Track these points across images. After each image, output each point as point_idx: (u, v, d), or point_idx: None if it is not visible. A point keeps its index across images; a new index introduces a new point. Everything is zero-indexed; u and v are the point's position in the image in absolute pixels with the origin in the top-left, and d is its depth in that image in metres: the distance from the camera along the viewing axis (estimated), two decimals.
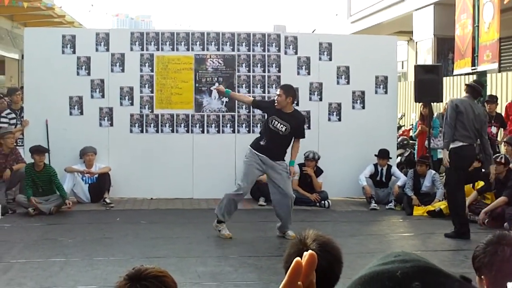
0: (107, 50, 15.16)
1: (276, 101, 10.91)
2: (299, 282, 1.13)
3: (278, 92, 11.00)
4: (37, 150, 13.67)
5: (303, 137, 11.41)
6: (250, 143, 11.26)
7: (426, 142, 15.88)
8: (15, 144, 14.71)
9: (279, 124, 10.88)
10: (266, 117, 11.37)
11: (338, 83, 15.64)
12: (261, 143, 10.97)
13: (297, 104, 15.01)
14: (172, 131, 15.12)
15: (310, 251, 1.14)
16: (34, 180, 13.55)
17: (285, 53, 15.56)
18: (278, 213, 11.20)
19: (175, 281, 3.33)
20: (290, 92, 11.02)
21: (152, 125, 15.10)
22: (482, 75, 17.47)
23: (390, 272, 1.05)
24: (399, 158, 17.14)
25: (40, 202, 13.24)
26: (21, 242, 10.76)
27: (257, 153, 10.98)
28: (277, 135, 10.94)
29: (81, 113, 15.05)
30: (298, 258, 1.13)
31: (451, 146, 11.31)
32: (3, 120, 15.05)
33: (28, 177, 13.51)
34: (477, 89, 11.68)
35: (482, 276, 3.82)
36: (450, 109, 11.42)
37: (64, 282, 8.53)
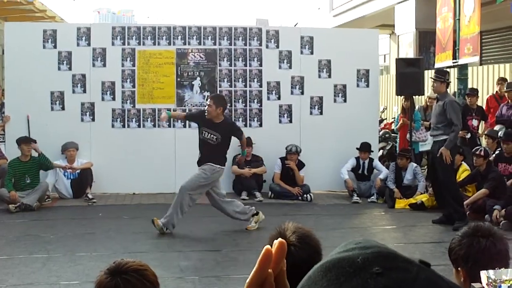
0: (89, 44, 15.12)
1: (206, 112, 10.95)
2: (269, 270, 1.14)
3: (208, 103, 11.00)
4: (25, 140, 13.73)
5: (240, 137, 11.46)
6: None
7: (408, 135, 15.92)
8: None
9: (209, 134, 11.01)
10: (198, 128, 11.35)
11: (319, 76, 15.66)
12: (199, 155, 11.25)
13: (279, 98, 15.10)
14: (154, 125, 15.11)
15: (280, 239, 1.16)
16: (21, 171, 13.55)
17: (267, 47, 15.57)
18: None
19: (156, 274, 3.35)
20: (220, 102, 11.13)
21: (134, 120, 15.08)
22: (463, 68, 17.52)
23: (350, 258, 1.06)
24: (381, 151, 17.17)
25: (23, 196, 13.22)
26: (3, 239, 10.73)
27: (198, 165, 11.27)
28: (209, 145, 11.08)
29: (63, 108, 15.01)
30: (268, 246, 1.14)
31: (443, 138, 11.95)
32: None
33: (10, 172, 13.50)
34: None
35: (459, 268, 3.85)
36: (458, 106, 12.34)
37: (47, 278, 8.52)
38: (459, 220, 11.28)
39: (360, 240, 1.14)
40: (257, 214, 11.51)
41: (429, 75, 17.93)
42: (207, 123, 10.95)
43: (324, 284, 1.06)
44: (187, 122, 15.03)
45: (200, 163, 11.16)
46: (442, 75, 12.39)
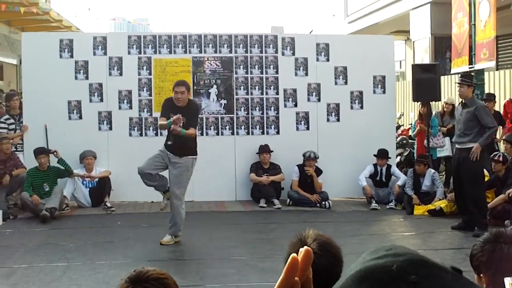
0: (105, 54, 15.18)
1: (178, 99, 10.77)
2: (296, 278, 1.14)
3: (181, 90, 10.76)
4: (42, 151, 13.81)
5: (194, 126, 11.14)
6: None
7: (425, 141, 15.87)
8: (14, 149, 14.73)
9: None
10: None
11: (336, 83, 15.65)
12: (169, 142, 10.89)
13: (296, 105, 15.10)
14: None
15: (305, 247, 1.16)
16: (40, 180, 13.63)
17: (283, 54, 15.58)
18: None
19: (176, 283, 3.35)
20: (188, 86, 11.11)
21: (151, 128, 15.11)
22: (480, 73, 17.48)
23: (385, 267, 1.06)
24: (398, 157, 17.13)
25: (43, 204, 13.29)
26: (23, 247, 10.78)
27: (166, 150, 10.96)
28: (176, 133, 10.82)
29: (80, 117, 15.07)
30: (294, 254, 1.14)
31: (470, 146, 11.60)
32: (2, 125, 15.04)
33: (29, 180, 13.60)
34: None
35: (481, 275, 3.82)
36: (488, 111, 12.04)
37: (67, 286, 8.55)
38: (480, 228, 11.19)
39: (390, 246, 1.14)
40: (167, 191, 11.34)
41: (445, 80, 17.91)
42: (175, 110, 10.74)
43: None
44: (204, 129, 15.07)
45: (171, 149, 10.91)
46: (468, 79, 12.16)
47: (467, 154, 11.55)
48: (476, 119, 11.59)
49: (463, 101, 12.05)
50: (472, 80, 12.18)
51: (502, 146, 15.34)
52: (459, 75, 13.31)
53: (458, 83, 12.16)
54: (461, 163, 11.77)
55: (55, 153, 14.24)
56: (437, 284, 1.04)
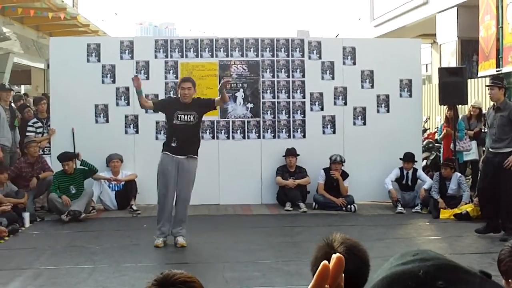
0: (132, 58, 15.25)
1: (185, 95, 10.82)
2: (326, 286, 1.14)
3: (188, 86, 10.81)
4: (66, 158, 13.89)
5: (213, 100, 11.26)
6: (162, 150, 11.16)
7: (452, 145, 15.79)
8: (41, 152, 14.82)
9: (186, 116, 10.85)
10: (166, 116, 11.14)
11: (362, 87, 15.62)
12: (173, 145, 10.90)
13: (322, 109, 15.10)
14: None
15: (337, 254, 1.15)
16: (66, 183, 13.72)
17: (309, 58, 15.57)
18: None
19: (203, 286, 3.35)
20: (194, 83, 11.15)
21: None
22: (507, 76, 17.37)
23: (412, 272, 1.05)
24: (424, 161, 17.06)
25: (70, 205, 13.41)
26: (50, 249, 10.85)
27: (172, 155, 10.93)
28: (186, 128, 10.91)
29: (107, 120, 15.14)
30: (325, 261, 1.13)
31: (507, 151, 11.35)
32: (29, 129, 15.16)
33: (55, 183, 13.68)
34: None
35: (510, 280, 3.78)
36: None
37: None
38: (507, 233, 11.09)
39: (417, 251, 1.13)
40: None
41: (472, 84, 17.83)
42: (181, 106, 10.87)
43: None
44: (230, 133, 15.09)
45: (177, 151, 10.92)
46: (499, 81, 11.96)
47: (503, 159, 11.36)
48: (511, 123, 11.39)
49: (495, 104, 11.79)
50: (503, 82, 11.95)
51: None
52: (489, 78, 13.08)
53: (489, 86, 11.94)
54: (496, 166, 11.49)
55: (78, 155, 14.32)
56: None
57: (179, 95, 11.03)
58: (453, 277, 1.04)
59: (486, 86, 12.94)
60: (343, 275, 1.15)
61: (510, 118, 11.26)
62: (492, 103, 12.09)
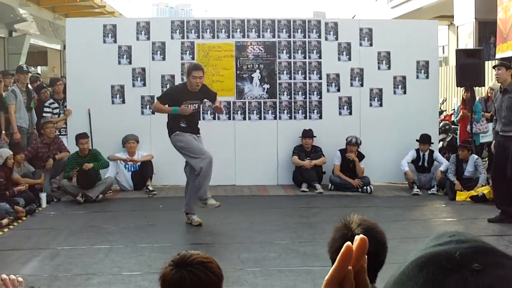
0: (148, 38, 15.24)
1: (198, 84, 10.86)
2: (349, 267, 1.13)
3: (200, 75, 10.82)
4: (79, 135, 13.87)
5: (215, 95, 11.55)
6: (169, 133, 11.17)
7: (468, 127, 15.73)
8: (58, 133, 14.88)
9: (193, 104, 10.92)
10: (174, 104, 11.00)
11: (379, 68, 15.56)
12: (182, 125, 10.92)
13: (339, 90, 15.08)
14: (214, 118, 15.16)
15: (361, 235, 1.14)
16: (80, 166, 13.72)
17: (326, 39, 15.51)
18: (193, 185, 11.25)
19: (220, 267, 3.37)
20: (204, 70, 11.18)
21: None
22: None
23: (447, 253, 1.04)
24: (441, 143, 17.01)
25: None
26: (66, 230, 10.92)
27: (184, 132, 10.96)
28: (193, 113, 11.03)
29: (123, 101, 15.16)
30: (348, 243, 1.12)
31: None
32: (46, 110, 15.22)
33: (69, 165, 13.69)
34: None
35: None
36: None
37: (109, 268, 8.65)
38: None
39: (454, 232, 1.12)
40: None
41: (489, 66, 17.75)
42: (189, 95, 10.90)
43: (420, 280, 1.04)
44: (246, 114, 15.10)
45: (188, 130, 11.02)
46: (506, 61, 11.71)
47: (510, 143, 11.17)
48: None
49: (502, 87, 11.56)
50: (511, 63, 11.69)
51: None
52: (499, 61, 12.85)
53: (496, 66, 11.75)
54: (508, 151, 11.25)
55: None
56: (502, 272, 1.02)
57: (188, 83, 11.01)
58: (489, 260, 1.03)
59: (493, 67, 12.67)
60: (366, 256, 1.15)
61: (485, 101, 11.04)
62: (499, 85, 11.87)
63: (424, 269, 1.05)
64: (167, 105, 11.06)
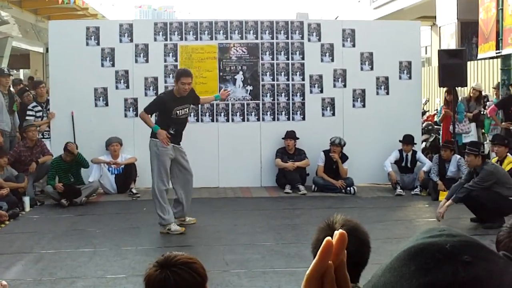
0: (131, 41, 15.22)
1: (185, 91, 10.79)
2: (329, 262, 1.15)
3: (189, 81, 10.77)
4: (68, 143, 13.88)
5: (198, 99, 11.69)
6: (153, 136, 10.95)
7: (451, 127, 15.80)
8: (41, 136, 14.84)
9: (182, 110, 10.91)
10: (163, 113, 11.01)
11: (362, 69, 15.61)
12: (171, 131, 10.87)
13: (321, 91, 15.11)
14: (197, 120, 15.16)
15: (340, 230, 1.16)
16: (63, 170, 13.69)
17: (309, 40, 15.54)
18: (180, 197, 11.23)
19: (204, 268, 3.38)
20: (192, 76, 11.20)
21: None
22: (507, 58, 17.37)
23: (439, 245, 1.07)
24: (424, 143, 17.08)
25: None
26: (50, 233, 10.88)
27: (171, 143, 10.88)
28: (182, 120, 11.08)
29: (106, 104, 15.14)
30: (328, 238, 1.14)
31: None
32: (29, 113, 15.17)
33: (53, 170, 13.66)
34: None
35: None
36: None
37: (94, 271, 8.64)
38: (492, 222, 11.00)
39: (444, 227, 1.15)
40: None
41: (471, 66, 17.83)
42: (178, 101, 10.86)
43: (412, 268, 1.06)
44: (230, 115, 15.11)
45: (175, 140, 10.98)
46: (476, 147, 11.65)
47: None
48: None
49: (474, 169, 11.53)
50: (479, 149, 11.47)
51: None
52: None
53: (465, 154, 11.76)
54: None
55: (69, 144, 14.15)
56: (490, 266, 1.05)
57: (175, 88, 10.94)
58: (477, 254, 1.06)
59: (464, 152, 12.59)
60: (345, 251, 1.16)
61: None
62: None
63: (416, 258, 1.08)
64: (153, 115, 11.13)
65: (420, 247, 1.09)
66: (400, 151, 14.98)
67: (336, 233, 1.16)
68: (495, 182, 11.21)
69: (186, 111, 11.01)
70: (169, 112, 10.81)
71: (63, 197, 13.28)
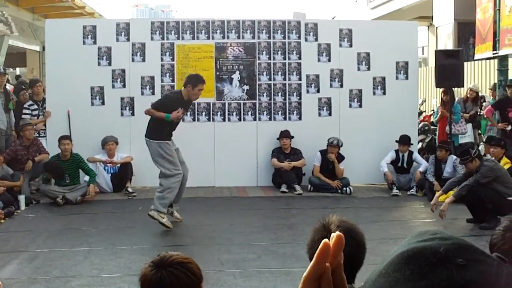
0: (128, 40, 15.20)
1: (197, 97, 11.13)
2: (327, 264, 1.14)
3: (203, 87, 10.98)
4: (62, 137, 13.85)
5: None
6: (151, 136, 11.08)
7: (447, 128, 15.80)
8: (37, 135, 14.81)
9: (186, 113, 11.28)
10: (165, 112, 11.01)
11: (358, 69, 15.60)
12: (165, 131, 11.00)
13: (318, 91, 15.10)
14: (194, 119, 15.13)
15: (337, 232, 1.16)
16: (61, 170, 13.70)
17: (306, 40, 15.53)
18: (180, 191, 11.43)
19: (200, 268, 3.37)
20: None
21: None
22: (504, 59, 17.38)
23: (433, 248, 1.06)
24: (420, 144, 17.08)
25: (65, 192, 13.37)
26: (45, 232, 10.87)
27: (166, 141, 11.00)
28: (178, 121, 11.19)
29: (103, 103, 15.11)
30: (326, 240, 1.13)
31: None
32: (25, 111, 15.14)
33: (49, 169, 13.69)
34: None
35: None
36: None
37: (89, 270, 8.63)
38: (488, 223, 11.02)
39: (435, 231, 1.14)
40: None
41: (468, 67, 17.83)
42: (183, 104, 11.00)
43: (406, 272, 1.06)
44: (226, 115, 15.10)
45: (167, 137, 11.09)
46: (467, 154, 11.74)
47: None
48: None
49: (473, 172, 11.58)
50: (471, 154, 11.57)
51: None
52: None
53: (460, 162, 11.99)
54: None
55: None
56: (483, 268, 1.05)
57: (186, 92, 10.96)
58: (471, 257, 1.06)
59: (460, 162, 12.73)
60: (342, 253, 1.16)
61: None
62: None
63: (410, 262, 1.07)
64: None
65: (413, 251, 1.08)
66: (397, 151, 14.98)
67: (333, 235, 1.15)
68: (494, 180, 11.24)
69: (187, 114, 11.11)
70: (171, 112, 10.83)
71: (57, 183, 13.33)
